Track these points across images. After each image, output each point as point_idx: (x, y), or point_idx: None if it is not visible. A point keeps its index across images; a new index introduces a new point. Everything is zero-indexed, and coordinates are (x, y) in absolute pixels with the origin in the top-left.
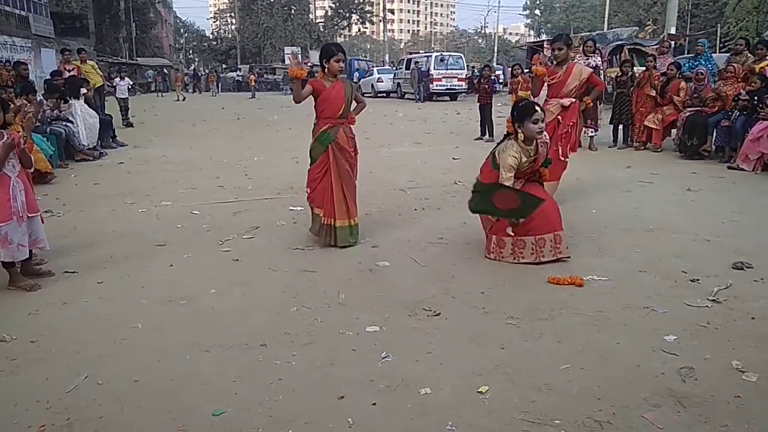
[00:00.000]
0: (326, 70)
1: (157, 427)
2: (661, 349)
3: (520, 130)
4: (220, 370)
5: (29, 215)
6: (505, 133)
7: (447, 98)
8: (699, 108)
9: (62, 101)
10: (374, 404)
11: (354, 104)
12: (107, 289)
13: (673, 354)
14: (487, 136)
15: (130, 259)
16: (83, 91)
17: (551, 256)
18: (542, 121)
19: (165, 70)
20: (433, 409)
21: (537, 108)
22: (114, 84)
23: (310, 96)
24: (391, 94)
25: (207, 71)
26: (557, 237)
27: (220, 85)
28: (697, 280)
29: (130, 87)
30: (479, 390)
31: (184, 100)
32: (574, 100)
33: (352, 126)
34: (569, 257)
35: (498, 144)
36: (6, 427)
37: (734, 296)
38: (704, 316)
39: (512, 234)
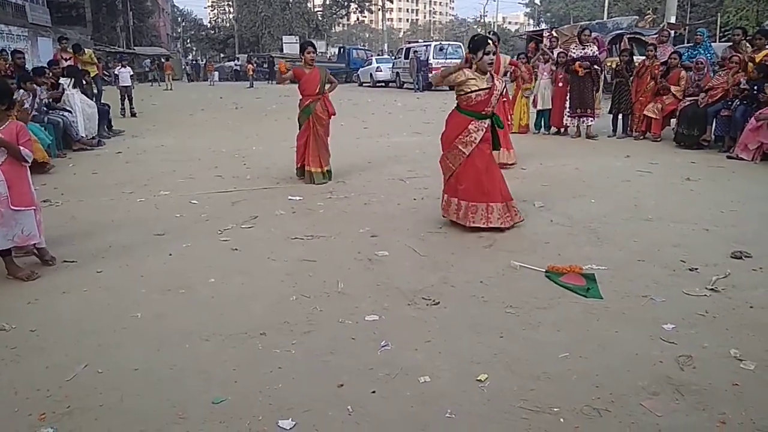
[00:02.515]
0: (303, 59)
1: (157, 415)
2: (660, 338)
3: (474, 61)
4: (220, 358)
5: (14, 208)
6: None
7: (446, 88)
8: (695, 98)
9: (55, 87)
10: (373, 392)
11: (328, 85)
12: (106, 278)
13: (672, 342)
14: None
15: (129, 248)
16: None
17: (482, 223)
18: (494, 54)
19: (164, 60)
20: (432, 397)
21: (489, 41)
22: (116, 72)
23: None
24: (390, 84)
25: (204, 60)
26: (489, 207)
27: (217, 74)
28: (696, 269)
29: (131, 75)
30: (478, 378)
31: (168, 89)
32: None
33: (327, 101)
34: (503, 227)
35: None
36: (6, 415)
37: (733, 285)
38: (703, 305)
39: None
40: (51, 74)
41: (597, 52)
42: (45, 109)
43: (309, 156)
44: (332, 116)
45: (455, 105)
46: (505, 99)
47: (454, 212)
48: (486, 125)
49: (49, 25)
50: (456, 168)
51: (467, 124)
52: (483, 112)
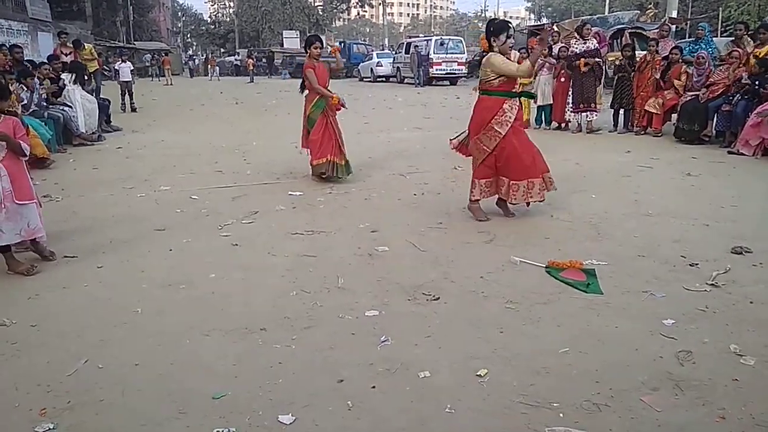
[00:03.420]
0: (309, 54)
1: (157, 410)
2: (660, 333)
3: (495, 44)
4: (220, 353)
5: (18, 202)
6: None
7: (447, 83)
8: (696, 93)
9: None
10: (373, 387)
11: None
12: (107, 273)
13: (672, 338)
14: None
15: (129, 243)
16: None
17: (523, 200)
18: (513, 38)
19: (164, 54)
20: (431, 392)
21: (510, 25)
22: (116, 67)
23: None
24: (391, 79)
25: (204, 55)
26: (530, 183)
27: (218, 69)
28: (696, 264)
29: (131, 70)
30: (478, 373)
31: (168, 84)
32: None
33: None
34: (542, 200)
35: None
36: (7, 410)
37: (733, 281)
38: (703, 301)
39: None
40: (51, 69)
41: (597, 46)
42: (45, 104)
43: (336, 148)
44: (341, 108)
45: (480, 92)
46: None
47: (487, 190)
48: (517, 104)
49: (50, 20)
50: (493, 149)
51: (502, 104)
52: (513, 90)
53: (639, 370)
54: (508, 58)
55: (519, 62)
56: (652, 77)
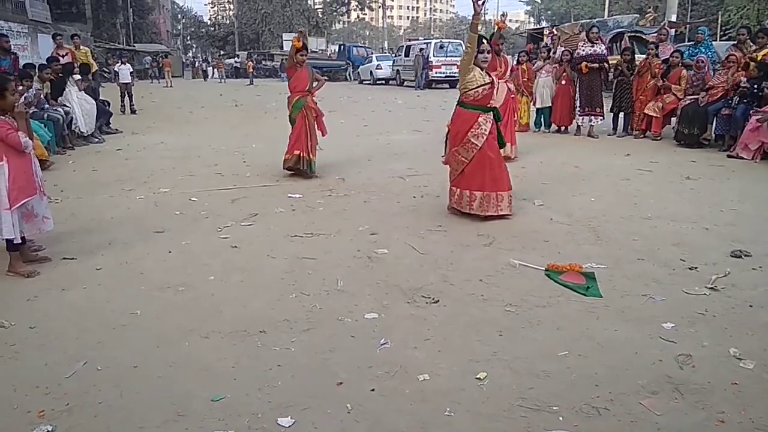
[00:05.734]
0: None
1: (156, 413)
2: (659, 337)
3: None
4: (219, 356)
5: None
6: None
7: (446, 86)
8: (696, 97)
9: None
10: (373, 390)
11: (315, 83)
12: (106, 275)
13: (671, 341)
14: None
15: (128, 245)
16: (77, 77)
17: (494, 211)
18: (488, 53)
19: (164, 56)
20: (431, 395)
21: (484, 41)
22: (116, 69)
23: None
24: (390, 82)
25: (204, 57)
26: (499, 196)
27: (221, 72)
28: (696, 268)
29: (131, 72)
30: (477, 376)
31: (168, 86)
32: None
33: (314, 98)
34: (510, 215)
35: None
36: (5, 412)
37: (732, 284)
38: (702, 304)
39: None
40: (51, 71)
41: (604, 50)
42: (45, 105)
43: (311, 143)
44: (321, 116)
45: (457, 103)
46: (513, 95)
47: (467, 204)
48: (491, 118)
49: (49, 22)
50: (469, 160)
51: (477, 118)
52: (488, 106)
53: (638, 373)
54: (483, 69)
55: (513, 69)
56: (652, 81)
